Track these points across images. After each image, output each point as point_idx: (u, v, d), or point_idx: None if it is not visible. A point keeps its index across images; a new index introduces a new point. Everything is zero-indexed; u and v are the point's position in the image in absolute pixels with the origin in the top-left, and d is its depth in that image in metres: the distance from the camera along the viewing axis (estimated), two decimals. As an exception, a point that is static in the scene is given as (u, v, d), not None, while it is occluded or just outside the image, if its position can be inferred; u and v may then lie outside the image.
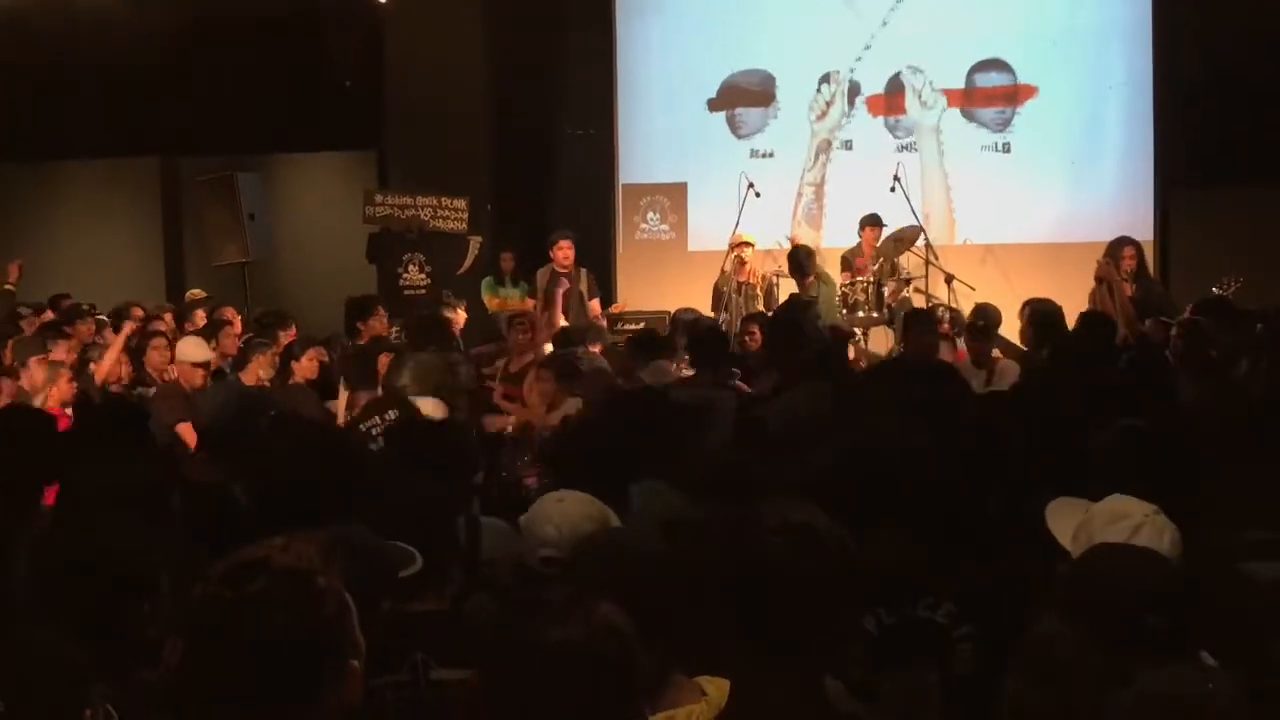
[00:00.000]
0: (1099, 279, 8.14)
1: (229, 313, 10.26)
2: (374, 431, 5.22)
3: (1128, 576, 2.37)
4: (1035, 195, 12.15)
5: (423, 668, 2.80)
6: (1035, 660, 2.34)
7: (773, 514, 2.20)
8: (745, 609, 2.14)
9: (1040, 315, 6.98)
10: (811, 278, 9.47)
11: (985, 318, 8.23)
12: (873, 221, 10.71)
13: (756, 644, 2.14)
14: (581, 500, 3.10)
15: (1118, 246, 9.23)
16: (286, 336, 8.78)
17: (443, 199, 11.70)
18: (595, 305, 10.49)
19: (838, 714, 2.18)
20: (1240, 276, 9.20)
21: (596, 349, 8.33)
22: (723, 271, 10.80)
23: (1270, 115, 11.03)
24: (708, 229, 12.51)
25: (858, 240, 10.80)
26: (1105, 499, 2.69)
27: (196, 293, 11.96)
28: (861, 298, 10.00)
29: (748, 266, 10.59)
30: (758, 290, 10.60)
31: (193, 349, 7.85)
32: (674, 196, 12.92)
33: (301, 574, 1.94)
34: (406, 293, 11.47)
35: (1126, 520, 2.56)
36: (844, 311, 9.92)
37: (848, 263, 10.75)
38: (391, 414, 5.29)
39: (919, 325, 7.50)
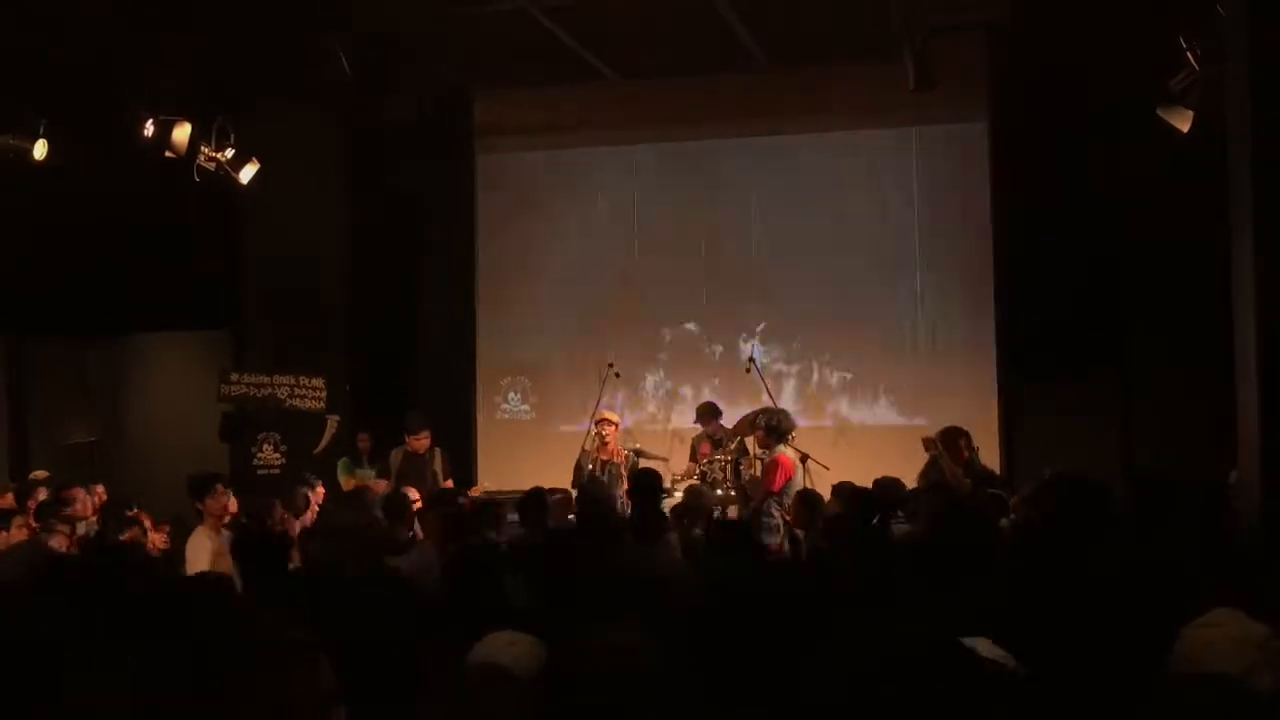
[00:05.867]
0: (931, 454, 9.14)
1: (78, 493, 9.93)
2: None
3: None
4: (885, 380, 12.56)
5: None
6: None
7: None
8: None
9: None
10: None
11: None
12: (709, 413, 10.98)
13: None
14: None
15: (953, 436, 9.60)
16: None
17: (300, 378, 11.59)
18: (449, 486, 10.39)
19: None
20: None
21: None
22: (584, 450, 10.88)
23: (1097, 307, 11.58)
24: (568, 409, 12.67)
25: (700, 429, 11.07)
26: None
27: (40, 474, 11.59)
28: (720, 475, 10.30)
29: (610, 444, 10.72)
30: (621, 469, 10.67)
31: None
32: (535, 377, 13.04)
33: None
34: (260, 472, 11.26)
35: None
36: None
37: (694, 450, 11.04)
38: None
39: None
